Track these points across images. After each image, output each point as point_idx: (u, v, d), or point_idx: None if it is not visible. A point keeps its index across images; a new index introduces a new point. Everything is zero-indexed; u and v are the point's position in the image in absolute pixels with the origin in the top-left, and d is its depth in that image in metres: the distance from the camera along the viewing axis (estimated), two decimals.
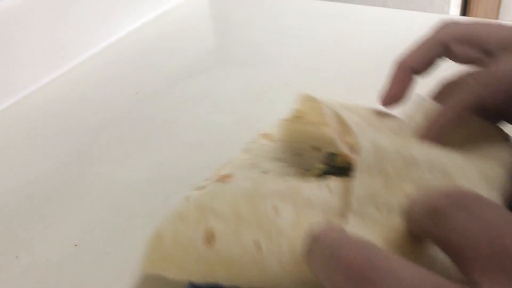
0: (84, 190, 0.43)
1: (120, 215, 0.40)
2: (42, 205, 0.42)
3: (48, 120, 0.54)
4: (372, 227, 0.23)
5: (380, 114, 0.34)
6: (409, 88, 0.33)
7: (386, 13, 0.71)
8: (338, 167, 0.33)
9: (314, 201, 0.24)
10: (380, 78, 0.54)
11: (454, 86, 0.32)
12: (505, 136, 0.31)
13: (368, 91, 0.52)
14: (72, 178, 0.45)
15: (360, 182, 0.24)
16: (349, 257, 0.18)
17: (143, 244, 0.34)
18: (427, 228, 0.20)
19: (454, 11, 1.32)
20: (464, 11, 1.37)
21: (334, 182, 0.26)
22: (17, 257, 0.37)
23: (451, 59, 0.33)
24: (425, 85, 0.34)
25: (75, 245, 0.37)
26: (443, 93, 0.33)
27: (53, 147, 0.49)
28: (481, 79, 0.28)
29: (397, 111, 0.34)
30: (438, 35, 0.33)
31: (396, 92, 0.33)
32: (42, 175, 0.45)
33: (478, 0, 1.35)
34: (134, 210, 0.40)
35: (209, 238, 0.24)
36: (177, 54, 0.65)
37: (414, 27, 0.65)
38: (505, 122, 0.33)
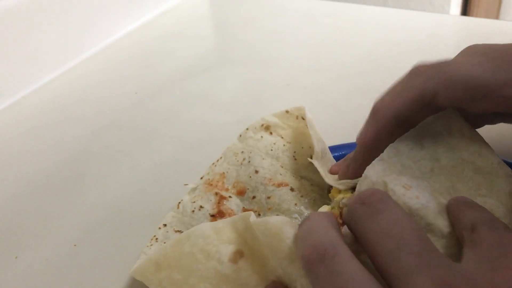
0: (84, 190, 0.43)
1: (120, 215, 0.40)
2: (42, 205, 0.42)
3: (48, 120, 0.54)
4: None
5: None
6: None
7: (386, 13, 0.71)
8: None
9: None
10: (380, 77, 0.54)
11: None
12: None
13: (368, 90, 0.52)
14: (72, 178, 0.45)
15: None
16: (314, 241, 0.22)
17: (142, 244, 0.34)
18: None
19: (454, 10, 1.32)
20: (465, 10, 1.37)
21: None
22: (16, 257, 0.37)
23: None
24: None
25: (75, 245, 0.37)
26: None
27: (53, 147, 0.49)
28: (439, 74, 0.28)
29: None
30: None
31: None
32: (42, 175, 0.45)
33: (479, 0, 1.34)
34: (134, 210, 0.40)
35: None
36: (177, 54, 0.65)
37: (414, 27, 0.65)
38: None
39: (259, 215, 0.34)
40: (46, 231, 0.39)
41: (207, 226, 0.27)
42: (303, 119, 0.38)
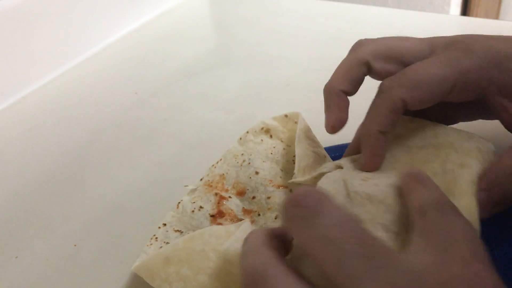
0: (84, 190, 0.43)
1: (120, 215, 0.40)
2: (42, 205, 0.42)
3: (48, 120, 0.54)
4: None
5: None
6: (347, 109, 0.34)
7: (386, 13, 0.71)
8: None
9: None
10: None
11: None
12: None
13: (367, 90, 0.52)
14: (72, 178, 0.45)
15: None
16: (248, 265, 0.22)
17: (142, 244, 0.34)
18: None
19: (454, 10, 1.32)
20: (465, 11, 1.37)
21: None
22: (17, 257, 0.37)
23: (372, 76, 0.34)
24: None
25: (75, 245, 0.37)
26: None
27: (53, 147, 0.49)
28: (401, 82, 0.30)
29: None
30: (358, 55, 0.33)
31: (339, 117, 0.33)
32: (42, 175, 0.45)
33: (479, 0, 1.34)
34: (134, 210, 0.40)
35: None
36: (177, 54, 0.65)
37: (414, 27, 0.65)
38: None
39: (259, 215, 0.34)
40: (46, 231, 0.39)
41: (220, 228, 0.28)
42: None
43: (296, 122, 0.39)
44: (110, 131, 0.51)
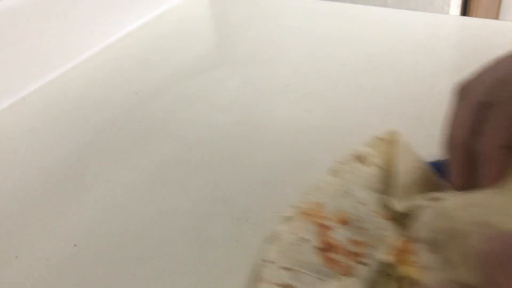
0: (84, 190, 0.43)
1: (120, 215, 0.40)
2: (42, 205, 0.42)
3: (48, 120, 0.54)
4: None
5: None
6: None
7: (386, 13, 0.71)
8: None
9: None
10: (380, 77, 0.54)
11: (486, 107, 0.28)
12: None
13: (368, 90, 0.52)
14: (72, 178, 0.45)
15: None
16: None
17: (141, 244, 0.34)
18: None
19: (454, 11, 1.32)
20: (464, 11, 1.37)
21: None
22: (17, 257, 0.37)
23: None
24: None
25: (75, 245, 0.37)
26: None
27: (53, 147, 0.49)
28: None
29: None
30: (470, 100, 0.29)
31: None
32: (42, 175, 0.45)
33: (478, 0, 1.34)
34: (134, 210, 0.40)
35: None
36: (177, 54, 0.65)
37: (414, 27, 0.65)
38: None
39: (371, 247, 0.31)
40: (46, 231, 0.39)
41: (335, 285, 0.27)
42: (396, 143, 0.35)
43: (390, 143, 0.36)
44: (110, 131, 0.51)
